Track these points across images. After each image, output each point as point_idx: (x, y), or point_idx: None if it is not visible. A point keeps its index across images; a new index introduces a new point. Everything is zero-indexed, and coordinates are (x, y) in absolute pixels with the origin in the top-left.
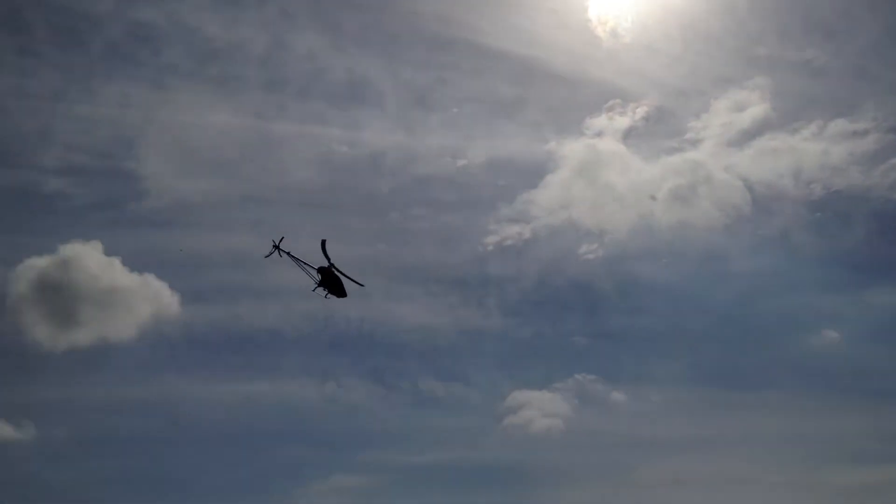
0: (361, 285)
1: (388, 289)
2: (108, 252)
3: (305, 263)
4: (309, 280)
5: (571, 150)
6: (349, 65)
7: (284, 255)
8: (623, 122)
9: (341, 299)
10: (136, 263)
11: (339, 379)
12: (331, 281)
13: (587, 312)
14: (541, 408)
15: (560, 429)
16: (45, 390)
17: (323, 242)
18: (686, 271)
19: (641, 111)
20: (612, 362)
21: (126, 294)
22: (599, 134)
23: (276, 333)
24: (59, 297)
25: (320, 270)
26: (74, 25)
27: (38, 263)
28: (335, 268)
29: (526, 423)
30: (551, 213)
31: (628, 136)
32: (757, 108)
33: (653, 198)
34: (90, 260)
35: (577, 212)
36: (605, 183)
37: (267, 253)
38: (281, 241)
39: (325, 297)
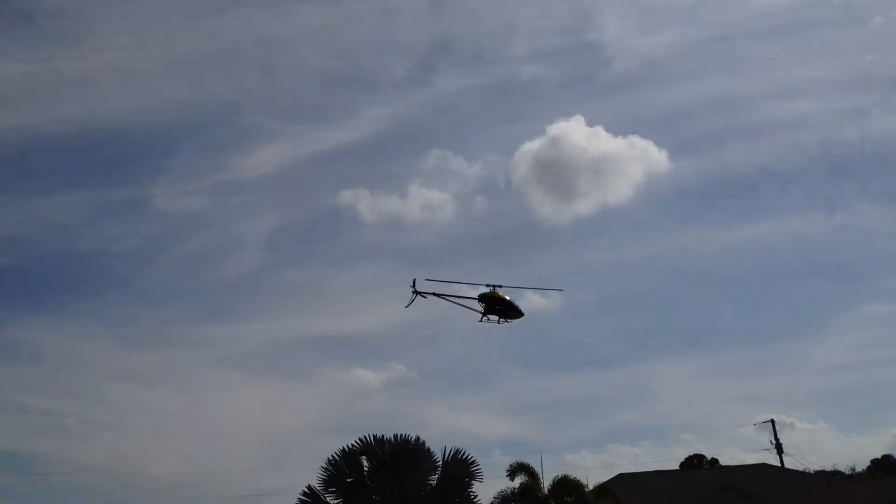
0: (560, 290)
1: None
2: (591, 123)
3: (456, 297)
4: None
5: None
6: None
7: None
8: None
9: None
10: (618, 128)
11: (848, 206)
12: (499, 305)
13: None
14: None
15: None
16: (561, 260)
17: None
18: None
19: None
20: None
21: (616, 159)
22: None
23: (769, 172)
24: (557, 174)
25: (482, 298)
26: None
27: (532, 147)
28: (496, 287)
29: None
30: None
31: None
32: None
33: None
34: (576, 134)
35: None
36: None
37: (407, 303)
38: (414, 282)
39: (499, 323)
